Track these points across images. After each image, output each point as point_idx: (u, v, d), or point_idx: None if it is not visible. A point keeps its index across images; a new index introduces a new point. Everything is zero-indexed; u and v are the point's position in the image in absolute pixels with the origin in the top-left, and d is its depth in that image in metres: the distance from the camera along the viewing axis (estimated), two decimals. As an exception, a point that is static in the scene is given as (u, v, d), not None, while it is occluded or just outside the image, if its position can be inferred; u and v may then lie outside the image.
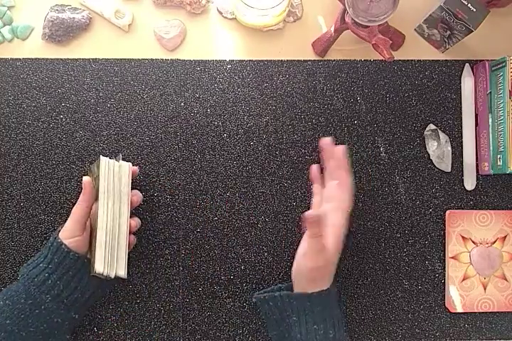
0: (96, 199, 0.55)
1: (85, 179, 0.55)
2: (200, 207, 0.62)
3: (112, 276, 0.54)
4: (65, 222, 0.54)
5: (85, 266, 0.54)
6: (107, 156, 0.56)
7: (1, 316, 0.50)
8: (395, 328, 0.62)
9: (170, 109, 0.63)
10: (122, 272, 0.54)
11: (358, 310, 0.62)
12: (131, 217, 0.56)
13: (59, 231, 0.54)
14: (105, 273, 0.53)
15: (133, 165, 0.62)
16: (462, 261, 0.63)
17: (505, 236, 0.64)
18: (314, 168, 0.59)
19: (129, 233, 0.56)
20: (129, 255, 0.56)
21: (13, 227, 0.61)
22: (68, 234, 0.53)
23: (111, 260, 0.54)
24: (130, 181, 0.56)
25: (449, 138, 0.64)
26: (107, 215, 0.54)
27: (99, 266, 0.52)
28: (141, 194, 0.59)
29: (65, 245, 0.52)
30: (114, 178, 0.55)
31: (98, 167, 0.55)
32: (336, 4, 0.59)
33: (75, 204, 0.61)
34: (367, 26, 0.57)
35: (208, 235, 0.62)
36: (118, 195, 0.55)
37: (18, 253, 0.61)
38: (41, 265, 0.52)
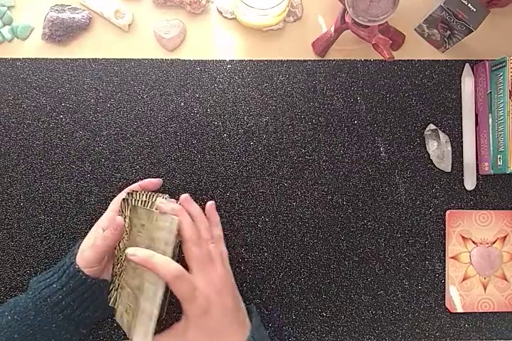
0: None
1: (119, 221, 0.52)
2: (200, 207, 0.62)
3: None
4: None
5: (100, 289, 0.53)
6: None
7: (9, 330, 0.50)
8: (395, 328, 0.62)
9: (170, 109, 0.63)
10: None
11: (358, 310, 0.62)
12: None
13: (75, 254, 0.53)
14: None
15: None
16: (462, 261, 0.63)
17: (506, 236, 0.64)
18: None
19: None
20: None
21: (13, 227, 0.61)
22: (87, 263, 0.52)
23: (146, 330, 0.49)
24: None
25: (449, 138, 0.64)
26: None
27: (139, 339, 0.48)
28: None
29: (83, 272, 0.51)
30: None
31: (144, 217, 0.51)
32: (336, 4, 0.59)
33: (74, 204, 0.61)
34: (367, 26, 0.57)
35: (207, 235, 0.62)
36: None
37: (18, 253, 0.61)
38: (54, 286, 0.51)
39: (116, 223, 0.52)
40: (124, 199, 0.55)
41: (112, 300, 0.55)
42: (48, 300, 0.51)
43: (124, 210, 0.55)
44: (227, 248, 0.62)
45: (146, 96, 0.63)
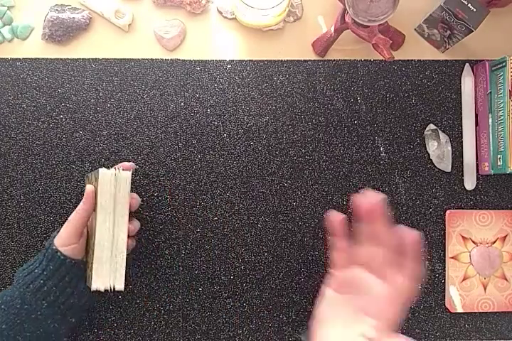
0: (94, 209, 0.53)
1: (89, 188, 0.52)
2: (200, 207, 0.62)
3: (111, 289, 0.51)
4: (62, 225, 0.53)
5: (82, 271, 0.53)
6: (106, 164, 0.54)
7: None
8: (394, 328, 0.62)
9: (170, 109, 0.63)
10: (120, 286, 0.51)
11: (358, 310, 0.62)
12: (130, 219, 0.53)
13: (54, 237, 0.53)
14: (103, 289, 0.51)
15: (132, 164, 0.62)
16: (462, 261, 0.63)
17: (505, 236, 0.64)
18: (338, 220, 0.51)
19: (128, 237, 0.53)
20: (127, 262, 0.52)
21: (13, 227, 0.61)
22: (64, 241, 0.51)
23: (110, 274, 0.51)
24: (129, 191, 0.52)
25: (449, 138, 0.64)
26: (105, 230, 0.51)
27: (99, 285, 0.51)
28: (138, 197, 0.56)
29: (61, 252, 0.51)
30: (113, 190, 0.52)
31: (96, 179, 0.52)
32: (336, 4, 0.59)
33: (75, 204, 0.61)
34: (367, 26, 0.57)
35: (208, 235, 0.62)
36: (116, 207, 0.52)
37: (18, 253, 0.61)
38: (36, 271, 0.51)
39: (86, 191, 0.52)
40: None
41: (88, 279, 0.53)
42: (30, 286, 0.50)
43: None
44: (227, 248, 0.62)
45: (146, 96, 0.63)
